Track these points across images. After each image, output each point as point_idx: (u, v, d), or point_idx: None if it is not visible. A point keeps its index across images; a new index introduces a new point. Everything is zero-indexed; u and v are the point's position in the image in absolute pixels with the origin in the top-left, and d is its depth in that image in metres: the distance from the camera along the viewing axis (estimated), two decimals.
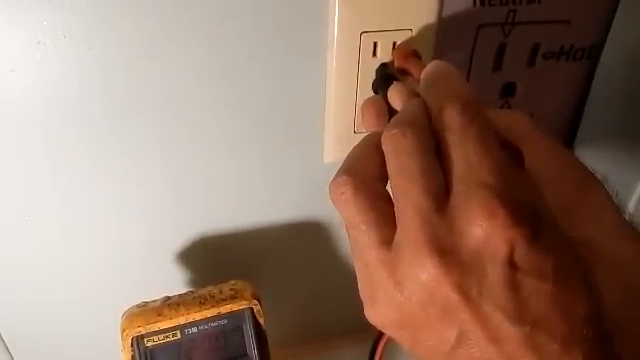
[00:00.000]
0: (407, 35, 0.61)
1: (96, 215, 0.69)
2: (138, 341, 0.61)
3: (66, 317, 0.77)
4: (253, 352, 0.64)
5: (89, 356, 0.81)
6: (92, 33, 0.55)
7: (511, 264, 0.32)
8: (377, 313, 0.38)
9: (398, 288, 0.36)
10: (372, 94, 0.62)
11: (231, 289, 0.65)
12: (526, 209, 0.33)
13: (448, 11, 0.64)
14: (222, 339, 0.64)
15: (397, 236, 0.36)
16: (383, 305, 0.37)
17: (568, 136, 0.81)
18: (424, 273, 0.34)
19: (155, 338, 0.62)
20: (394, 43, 0.60)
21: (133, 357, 0.63)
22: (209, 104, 0.63)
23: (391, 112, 0.52)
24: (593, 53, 0.74)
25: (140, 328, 0.61)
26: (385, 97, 0.52)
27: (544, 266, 0.33)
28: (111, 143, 0.63)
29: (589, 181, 0.39)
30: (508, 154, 0.39)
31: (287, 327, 0.87)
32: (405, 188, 0.36)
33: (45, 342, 0.79)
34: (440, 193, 0.35)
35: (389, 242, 0.36)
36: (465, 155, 0.35)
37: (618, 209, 0.38)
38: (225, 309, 0.63)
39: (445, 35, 0.64)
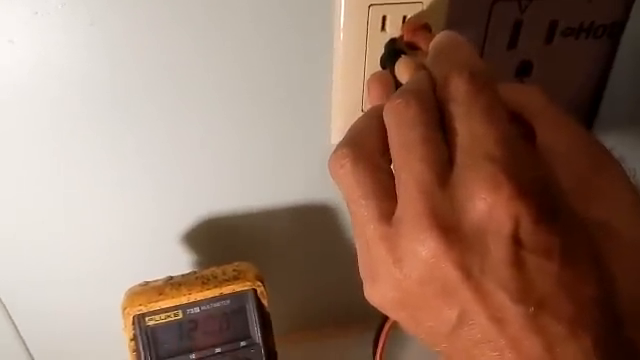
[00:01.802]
0: (418, 9, 0.58)
1: (101, 196, 0.68)
2: (139, 320, 0.61)
3: (72, 296, 0.77)
4: (256, 334, 0.64)
5: (95, 334, 0.81)
6: (93, 7, 0.54)
7: (516, 240, 0.31)
8: (376, 292, 0.37)
9: (397, 265, 0.34)
10: (382, 70, 0.59)
11: (234, 270, 0.64)
12: (533, 184, 0.32)
13: None
14: (224, 320, 0.63)
15: (397, 210, 0.35)
16: (382, 283, 0.36)
17: (587, 118, 0.78)
18: (424, 249, 0.32)
19: (156, 317, 0.62)
20: (404, 17, 0.58)
21: (134, 335, 0.63)
22: (214, 84, 0.63)
23: (398, 87, 0.49)
24: (615, 30, 0.71)
25: (141, 307, 0.61)
26: (393, 73, 0.50)
27: (551, 244, 0.31)
28: (115, 123, 0.62)
29: (604, 159, 0.37)
30: (518, 128, 0.38)
31: (292, 312, 0.87)
32: (406, 160, 0.35)
33: (51, 321, 0.80)
34: (443, 166, 0.34)
35: (389, 217, 0.35)
36: (470, 127, 0.34)
37: (635, 189, 0.36)
38: (228, 290, 0.62)
39: (457, 10, 0.61)
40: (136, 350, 0.63)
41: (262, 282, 0.63)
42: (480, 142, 0.33)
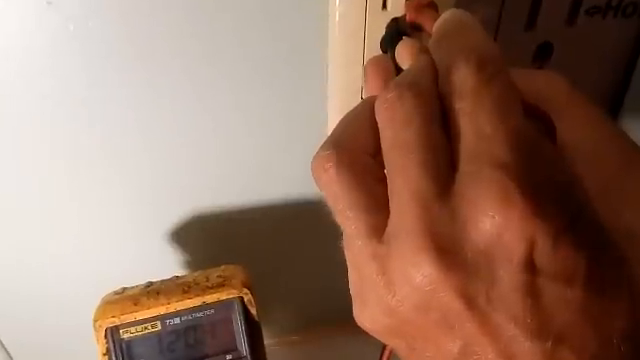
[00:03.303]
0: None
1: (80, 194, 0.65)
2: (113, 332, 0.56)
3: (51, 300, 0.74)
4: (243, 346, 0.59)
5: (79, 344, 0.74)
6: None
7: (529, 267, 0.27)
8: (367, 317, 0.33)
9: (389, 289, 0.30)
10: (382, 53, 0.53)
11: (219, 276, 0.59)
12: (552, 195, 0.27)
13: None
14: (208, 331, 0.58)
15: (390, 225, 0.30)
16: (373, 308, 0.32)
17: (613, 106, 0.71)
18: (419, 275, 0.28)
19: (132, 329, 0.57)
20: None
21: (108, 350, 0.58)
22: (197, 76, 0.59)
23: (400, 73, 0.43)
24: None
25: (114, 318, 0.56)
26: (394, 57, 0.45)
27: (573, 267, 0.27)
28: (96, 114, 0.59)
29: (635, 158, 0.33)
30: (535, 123, 0.32)
31: (293, 314, 0.83)
32: (401, 165, 0.30)
33: (31, 326, 0.76)
34: (444, 173, 0.29)
35: (380, 232, 0.30)
36: (477, 125, 0.29)
37: None
38: (211, 298, 0.57)
39: None
40: None
41: (250, 289, 0.58)
42: (488, 144, 0.28)
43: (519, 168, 0.27)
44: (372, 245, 0.30)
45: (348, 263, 0.33)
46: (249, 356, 0.59)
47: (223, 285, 0.58)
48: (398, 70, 0.45)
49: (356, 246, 0.31)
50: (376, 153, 0.33)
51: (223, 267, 0.60)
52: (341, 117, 0.54)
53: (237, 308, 0.58)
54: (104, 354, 0.58)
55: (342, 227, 0.32)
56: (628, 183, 0.32)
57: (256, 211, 0.70)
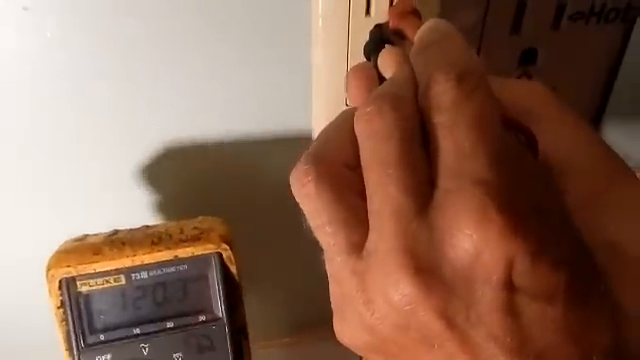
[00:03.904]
0: None
1: (44, 134, 0.58)
2: (68, 284, 0.49)
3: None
4: (219, 307, 0.52)
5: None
6: None
7: (508, 286, 0.26)
8: (346, 332, 0.32)
9: (368, 307, 0.30)
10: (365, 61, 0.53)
11: (195, 228, 0.52)
12: (531, 213, 0.27)
13: None
14: (180, 289, 0.51)
15: (369, 241, 0.30)
16: (353, 324, 0.31)
17: (596, 111, 0.72)
18: (397, 294, 0.28)
19: (91, 282, 0.50)
20: (391, 0, 0.52)
21: (62, 303, 0.50)
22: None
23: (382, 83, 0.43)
24: (629, 15, 0.65)
25: (70, 268, 0.49)
26: (377, 64, 0.44)
27: (552, 285, 0.27)
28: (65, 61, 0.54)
29: (619, 171, 0.33)
30: (515, 136, 0.32)
31: (283, 314, 0.78)
32: (379, 181, 0.30)
33: None
34: (422, 189, 0.29)
35: (360, 248, 0.30)
36: (456, 141, 0.29)
37: None
38: (185, 253, 0.50)
39: None
40: (65, 320, 0.51)
41: (230, 244, 0.51)
42: (467, 161, 0.28)
43: (498, 185, 0.27)
44: (352, 261, 0.30)
45: (329, 277, 0.33)
46: (225, 318, 0.52)
47: (199, 239, 0.51)
48: (381, 78, 0.44)
49: (336, 261, 0.31)
50: (356, 166, 0.32)
51: (200, 218, 0.53)
52: (325, 123, 0.54)
53: (214, 265, 0.51)
54: (58, 307, 0.50)
55: (321, 242, 0.32)
56: (611, 195, 0.32)
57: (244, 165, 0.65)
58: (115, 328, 0.51)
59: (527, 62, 0.66)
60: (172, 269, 0.51)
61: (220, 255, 0.51)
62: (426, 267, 0.27)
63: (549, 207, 0.29)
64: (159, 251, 0.50)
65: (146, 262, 0.50)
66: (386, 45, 0.45)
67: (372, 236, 0.30)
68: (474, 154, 0.28)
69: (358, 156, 0.32)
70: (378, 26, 0.52)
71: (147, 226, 0.53)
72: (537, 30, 0.63)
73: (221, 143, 0.63)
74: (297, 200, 0.32)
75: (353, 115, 0.33)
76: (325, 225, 0.31)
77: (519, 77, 0.67)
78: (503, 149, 0.28)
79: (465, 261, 0.27)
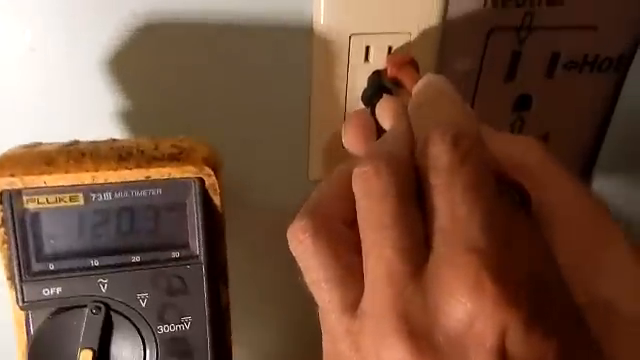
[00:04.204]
0: (405, 39, 0.54)
1: None
2: (12, 198, 0.40)
3: None
4: (197, 243, 0.43)
5: None
6: None
7: (501, 355, 0.27)
8: None
9: None
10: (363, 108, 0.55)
11: (173, 146, 0.43)
12: (525, 280, 0.28)
13: (454, 12, 0.57)
14: (151, 218, 0.43)
15: (363, 301, 0.31)
16: None
17: (588, 158, 0.72)
18: (390, 357, 0.28)
19: (41, 199, 0.41)
20: (390, 47, 0.54)
21: (4, 220, 0.41)
22: None
23: (380, 132, 0.44)
24: (622, 64, 0.65)
25: (15, 179, 0.40)
26: (375, 111, 0.45)
27: (545, 353, 0.27)
28: None
29: (612, 230, 0.33)
30: (509, 194, 0.33)
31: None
32: (375, 242, 0.31)
33: None
34: (418, 252, 0.30)
35: (354, 307, 0.31)
36: (451, 205, 0.30)
37: None
38: (159, 173, 0.41)
39: (450, 40, 0.57)
40: (7, 242, 0.41)
41: (215, 169, 0.43)
42: (462, 227, 0.29)
43: (492, 254, 0.28)
44: (346, 320, 0.31)
45: (323, 332, 0.33)
46: (203, 256, 0.43)
47: (177, 159, 0.42)
48: (378, 126, 0.44)
49: (330, 319, 0.32)
50: (353, 221, 0.33)
51: (181, 137, 0.44)
52: (323, 164, 0.59)
53: (194, 192, 0.43)
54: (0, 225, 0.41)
55: (316, 298, 0.32)
56: (605, 254, 0.32)
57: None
58: (68, 257, 0.42)
59: (521, 108, 0.66)
60: (142, 193, 0.42)
61: (202, 181, 0.42)
62: (419, 332, 0.27)
63: (542, 271, 0.29)
64: (127, 168, 0.41)
65: (110, 180, 0.41)
66: (384, 95, 0.46)
67: (367, 296, 0.30)
68: (469, 220, 0.28)
69: (355, 211, 0.32)
70: (377, 72, 0.53)
71: (114, 139, 0.44)
72: (531, 78, 0.64)
73: None
74: (294, 254, 0.32)
75: (350, 171, 0.33)
76: (321, 282, 0.31)
77: (513, 122, 0.67)
78: (497, 212, 0.29)
79: (459, 329, 0.27)
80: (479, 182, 0.30)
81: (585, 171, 0.71)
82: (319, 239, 0.32)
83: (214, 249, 0.44)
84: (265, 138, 0.57)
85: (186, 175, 0.42)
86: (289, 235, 0.33)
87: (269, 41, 0.54)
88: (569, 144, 0.71)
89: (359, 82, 0.55)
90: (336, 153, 0.57)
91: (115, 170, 0.41)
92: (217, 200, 0.43)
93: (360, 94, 0.56)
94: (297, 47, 0.55)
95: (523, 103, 0.65)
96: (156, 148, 0.42)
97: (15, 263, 0.40)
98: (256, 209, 0.61)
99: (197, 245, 0.43)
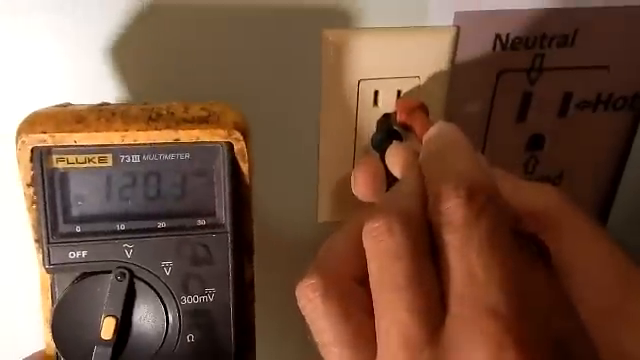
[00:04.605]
0: (414, 83, 0.55)
1: None
2: (42, 156, 0.40)
3: None
4: (223, 211, 0.42)
5: None
6: None
7: None
8: None
9: None
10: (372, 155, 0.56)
11: (203, 109, 0.42)
12: (549, 346, 0.28)
13: (463, 56, 0.57)
14: (178, 184, 0.42)
15: None
16: None
17: (605, 197, 0.70)
18: None
19: (71, 158, 0.40)
20: (399, 91, 0.54)
21: (33, 179, 0.41)
22: None
23: (389, 177, 0.45)
24: (637, 102, 0.65)
25: (46, 135, 0.39)
26: (384, 155, 0.45)
27: None
28: None
29: (635, 281, 0.32)
30: (528, 245, 0.33)
31: None
32: (388, 304, 0.30)
33: None
34: (433, 315, 0.29)
35: None
36: (468, 265, 0.29)
37: None
38: (187, 136, 0.41)
39: (459, 82, 0.57)
40: (36, 202, 0.41)
41: (244, 134, 0.41)
42: (480, 288, 0.28)
43: (512, 317, 0.27)
44: None
45: None
46: (229, 226, 0.42)
47: (206, 121, 0.41)
48: (388, 172, 0.45)
49: None
50: (364, 278, 0.32)
51: (212, 101, 0.43)
52: (331, 211, 0.60)
53: (222, 157, 0.42)
54: (28, 185, 0.41)
55: None
56: (628, 308, 0.31)
57: None
58: (94, 220, 0.41)
59: (534, 148, 0.65)
60: (170, 157, 0.42)
61: (231, 146, 0.41)
62: None
63: (565, 329, 0.28)
64: (156, 129, 0.40)
65: (140, 142, 0.40)
66: (394, 141, 0.46)
67: (380, 359, 0.29)
68: (487, 281, 0.27)
69: (366, 268, 0.31)
70: (386, 116, 0.54)
71: (145, 102, 0.43)
72: (544, 118, 0.63)
73: None
74: (303, 313, 0.32)
75: (359, 225, 0.32)
76: (332, 345, 0.30)
77: (527, 162, 0.66)
78: (516, 269, 0.28)
79: None
80: (496, 238, 0.28)
81: (602, 210, 0.69)
82: (329, 298, 0.31)
83: (240, 219, 0.43)
84: (274, 180, 0.57)
85: (215, 139, 0.41)
86: (298, 293, 0.32)
87: (278, 84, 0.54)
88: (585, 183, 0.69)
89: (368, 126, 0.55)
90: (345, 196, 0.56)
91: (144, 130, 0.40)
92: (245, 168, 0.42)
93: (369, 138, 0.57)
94: (306, 91, 0.54)
95: (536, 143, 0.64)
96: (186, 111, 0.41)
97: (43, 224, 0.40)
98: (265, 251, 0.59)
99: (223, 213, 0.42)
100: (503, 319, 0.26)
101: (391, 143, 0.45)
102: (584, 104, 0.63)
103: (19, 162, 0.40)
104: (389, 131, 0.53)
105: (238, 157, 0.42)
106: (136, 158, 0.41)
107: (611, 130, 0.66)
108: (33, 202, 0.40)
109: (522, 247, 0.30)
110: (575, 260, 0.32)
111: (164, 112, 0.41)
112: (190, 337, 0.42)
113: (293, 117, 0.56)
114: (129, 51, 0.51)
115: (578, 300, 0.30)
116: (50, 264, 0.40)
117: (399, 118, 0.50)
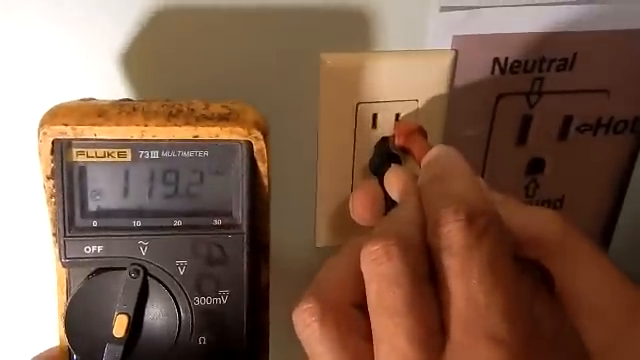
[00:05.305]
0: (412, 107, 0.55)
1: None
2: (62, 149, 0.39)
3: None
4: (240, 211, 0.42)
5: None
6: None
7: None
8: None
9: None
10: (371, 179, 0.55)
11: (224, 107, 0.41)
12: None
13: (461, 79, 0.57)
14: (195, 181, 0.42)
15: None
16: None
17: (606, 220, 0.69)
18: None
19: (90, 152, 0.40)
20: (397, 115, 0.54)
21: (53, 172, 0.40)
22: None
23: (388, 202, 0.45)
24: (638, 126, 0.65)
25: (67, 128, 0.39)
26: (383, 179, 0.45)
27: None
28: None
29: (638, 304, 0.32)
30: (531, 270, 0.33)
31: None
32: (388, 330, 0.29)
33: None
34: (433, 341, 0.29)
35: None
36: (468, 290, 0.28)
37: None
38: (207, 133, 0.40)
39: (458, 106, 0.57)
40: (55, 195, 0.41)
41: (264, 134, 0.41)
42: (481, 315, 0.28)
43: (516, 345, 0.27)
44: None
45: None
46: (246, 228, 0.42)
47: (227, 119, 0.40)
48: (386, 195, 0.45)
49: None
50: (362, 302, 0.31)
51: (233, 100, 0.42)
52: (329, 235, 0.60)
53: (241, 156, 0.41)
54: (48, 177, 0.40)
55: None
56: (634, 335, 0.31)
57: None
58: (111, 215, 0.41)
59: (535, 171, 0.65)
60: (189, 154, 0.41)
61: (250, 145, 0.41)
62: None
63: (568, 356, 0.29)
64: (176, 125, 0.40)
65: (159, 137, 0.40)
66: (392, 164, 0.46)
67: None
68: (488, 307, 0.27)
69: (364, 292, 0.30)
70: (384, 139, 0.54)
71: (167, 99, 0.42)
72: (544, 141, 0.63)
73: None
74: (299, 337, 0.31)
75: (358, 248, 0.31)
76: None
77: (527, 185, 0.66)
78: (518, 295, 0.28)
79: None
80: (497, 263, 0.28)
81: (604, 234, 0.69)
82: (326, 324, 0.30)
83: (257, 220, 0.42)
84: (272, 205, 0.56)
85: (234, 137, 0.40)
86: (295, 318, 0.31)
87: (276, 107, 0.53)
88: (586, 206, 0.69)
89: (366, 149, 0.55)
90: (343, 221, 0.55)
91: (164, 126, 0.40)
92: (264, 169, 0.42)
93: (367, 160, 0.57)
94: (304, 114, 0.54)
95: (536, 166, 0.64)
96: (206, 108, 0.41)
97: (60, 218, 0.39)
98: None
99: (240, 214, 0.42)
100: (506, 346, 0.25)
101: (390, 167, 0.45)
102: (584, 127, 0.63)
103: (40, 154, 0.39)
104: (387, 154, 0.53)
105: (257, 157, 0.41)
106: (155, 154, 0.41)
107: (612, 153, 0.66)
108: (52, 195, 0.40)
109: (524, 272, 0.30)
110: (579, 286, 0.31)
111: (185, 109, 0.41)
112: (202, 339, 0.41)
113: (291, 141, 0.55)
114: (138, 53, 0.51)
115: (582, 327, 0.30)
116: (66, 258, 0.40)
117: (397, 141, 0.50)
